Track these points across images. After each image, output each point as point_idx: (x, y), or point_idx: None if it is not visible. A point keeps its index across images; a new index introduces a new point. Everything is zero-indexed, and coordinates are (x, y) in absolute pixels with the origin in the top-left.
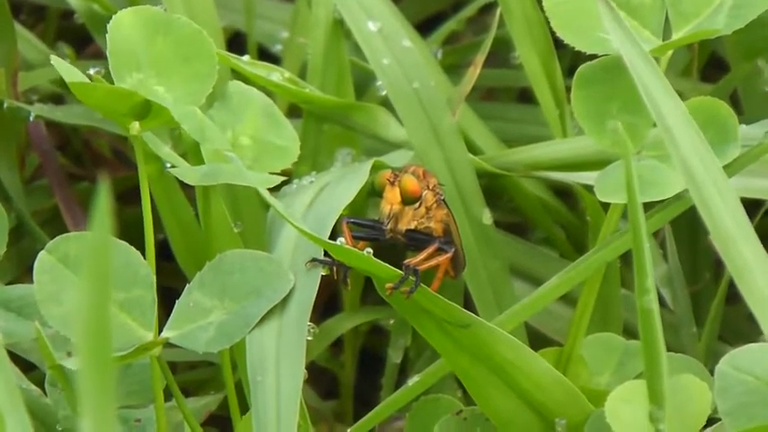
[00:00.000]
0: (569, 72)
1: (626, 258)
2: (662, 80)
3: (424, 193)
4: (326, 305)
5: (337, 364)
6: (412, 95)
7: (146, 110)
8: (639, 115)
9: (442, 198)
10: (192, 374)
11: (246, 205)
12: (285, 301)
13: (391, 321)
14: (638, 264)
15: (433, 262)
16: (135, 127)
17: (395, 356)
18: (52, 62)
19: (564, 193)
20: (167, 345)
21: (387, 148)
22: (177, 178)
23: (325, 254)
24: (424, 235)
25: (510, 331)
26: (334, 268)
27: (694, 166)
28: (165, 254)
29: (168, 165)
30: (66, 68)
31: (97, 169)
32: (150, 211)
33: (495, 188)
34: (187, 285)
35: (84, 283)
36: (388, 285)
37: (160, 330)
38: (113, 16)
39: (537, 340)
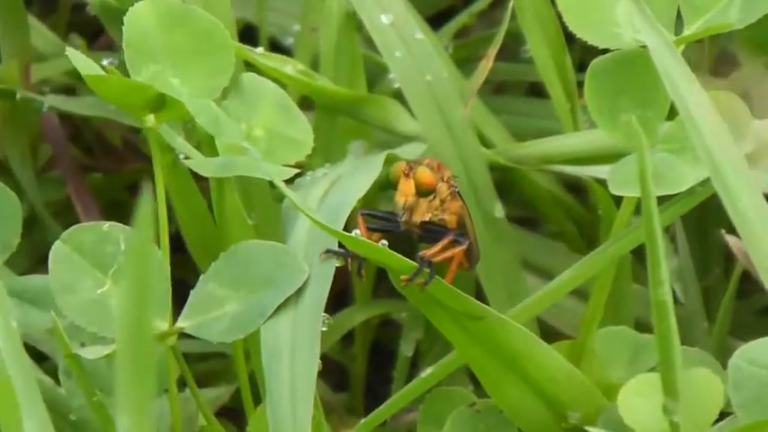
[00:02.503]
0: (580, 67)
1: (637, 253)
2: (686, 70)
3: (438, 185)
4: (337, 297)
5: (348, 356)
6: (424, 88)
7: (161, 102)
8: (652, 109)
9: (457, 190)
10: (203, 365)
11: (260, 197)
12: (299, 292)
13: (403, 314)
14: (651, 256)
15: (447, 254)
16: (150, 119)
17: (407, 349)
18: (67, 53)
19: (575, 187)
20: (181, 335)
21: (399, 141)
22: (191, 169)
23: (340, 245)
24: (439, 227)
25: (522, 324)
26: (349, 260)
27: (718, 155)
28: (175, 246)
29: (181, 156)
30: (81, 60)
31: (109, 160)
32: (165, 203)
33: (506, 182)
34: (201, 276)
35: (125, 290)
36: (403, 277)
37: (175, 321)
38: (130, 7)
39: (549, 334)
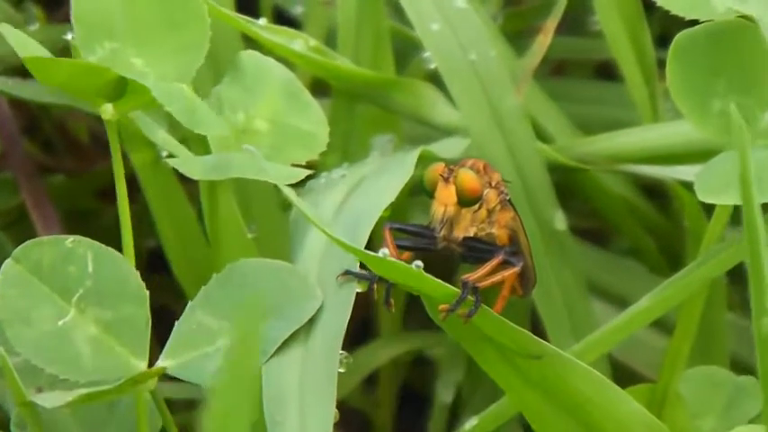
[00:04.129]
0: (661, 42)
1: (733, 275)
2: None
3: (485, 192)
4: (358, 330)
5: (372, 403)
6: (467, 69)
7: (121, 88)
8: (754, 95)
9: (508, 198)
10: (189, 416)
11: (262, 205)
12: (311, 323)
13: (439, 351)
14: (754, 278)
15: (496, 278)
16: (108, 110)
17: (445, 394)
18: (1, 31)
19: (655, 192)
20: (163, 377)
21: (435, 135)
22: (176, 170)
23: (362, 266)
24: (486, 244)
25: (590, 364)
26: (374, 284)
27: None
28: (156, 265)
29: (164, 153)
30: (19, 40)
31: (73, 159)
32: (128, 212)
33: (569, 185)
34: (189, 303)
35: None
36: (443, 307)
37: (155, 359)
38: None
39: (623, 376)
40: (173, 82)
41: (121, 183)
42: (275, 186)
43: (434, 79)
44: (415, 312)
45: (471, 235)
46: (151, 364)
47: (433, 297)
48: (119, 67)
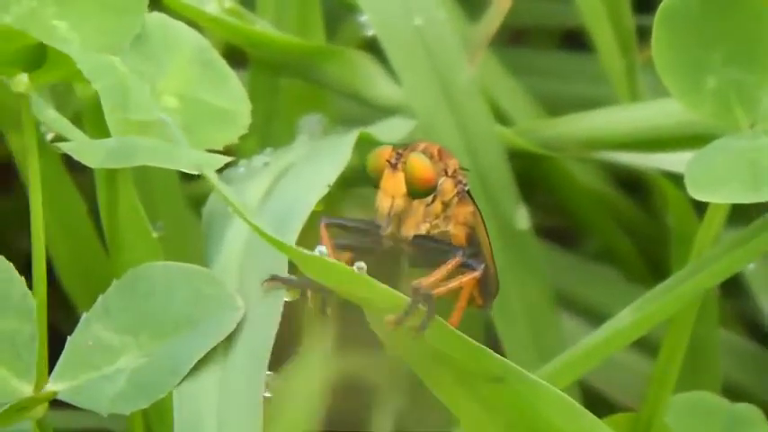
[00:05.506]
0: (640, 5)
1: (725, 285)
2: None
3: (440, 182)
4: (277, 346)
5: None
6: (411, 36)
7: (39, 56)
8: (756, 70)
9: (467, 189)
10: None
11: (168, 198)
12: (231, 338)
13: (377, 373)
14: None
15: (453, 284)
16: (21, 81)
17: (383, 425)
18: None
19: (633, 184)
20: (54, 403)
21: (373, 115)
22: (64, 156)
23: (291, 269)
24: (441, 243)
25: (561, 389)
26: (308, 291)
27: None
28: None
29: (49, 135)
30: None
31: None
32: (40, 206)
33: (532, 176)
34: (84, 315)
35: None
36: (389, 318)
37: (43, 382)
38: None
39: (597, 403)
40: (101, 52)
41: (35, 167)
42: (181, 176)
43: (372, 48)
44: (345, 325)
45: (423, 233)
46: (39, 387)
47: (378, 306)
48: (37, 29)
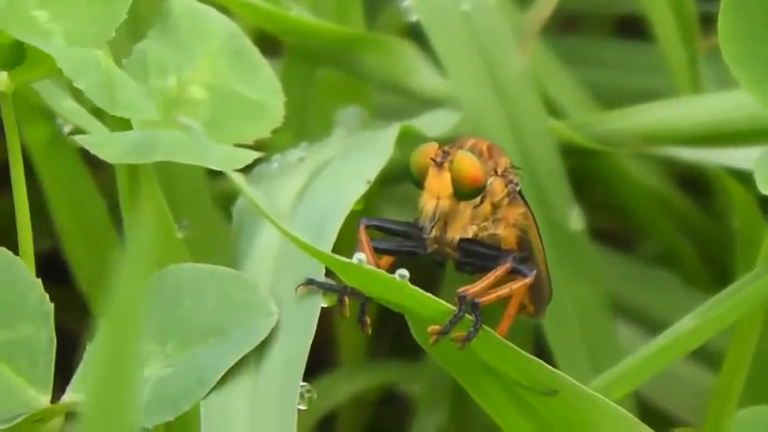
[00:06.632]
0: None
1: None
2: None
3: (489, 182)
4: (314, 355)
5: None
6: (458, 23)
7: (19, 53)
8: None
9: (518, 189)
10: None
11: (194, 196)
12: (264, 346)
13: (417, 385)
14: None
15: (502, 291)
16: (2, 80)
17: None
18: None
19: (695, 183)
20: (69, 415)
21: (415, 108)
22: (82, 151)
23: (328, 274)
24: (489, 248)
25: (616, 402)
26: (345, 297)
27: None
28: (51, 273)
29: (67, 129)
30: None
31: None
32: (27, 205)
33: (586, 174)
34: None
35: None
36: (433, 328)
37: (61, 392)
38: None
39: (655, 416)
40: (85, 45)
41: (18, 168)
42: (209, 172)
43: (415, 36)
44: (384, 336)
45: (470, 236)
46: (56, 398)
47: (421, 315)
48: (16, 20)
